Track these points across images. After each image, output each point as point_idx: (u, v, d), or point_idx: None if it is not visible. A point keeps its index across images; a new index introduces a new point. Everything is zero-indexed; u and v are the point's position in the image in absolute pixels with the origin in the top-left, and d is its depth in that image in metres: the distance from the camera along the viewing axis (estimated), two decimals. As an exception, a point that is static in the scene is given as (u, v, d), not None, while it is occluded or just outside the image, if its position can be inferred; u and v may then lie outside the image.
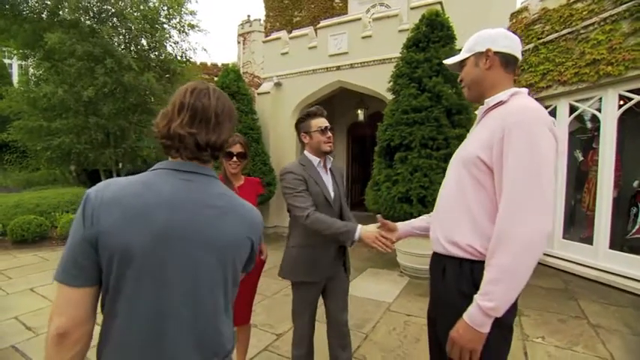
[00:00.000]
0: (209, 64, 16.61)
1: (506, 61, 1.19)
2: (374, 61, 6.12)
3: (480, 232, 1.10)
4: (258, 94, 7.66)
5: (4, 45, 10.18)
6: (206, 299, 0.83)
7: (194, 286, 0.81)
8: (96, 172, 9.21)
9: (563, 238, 4.79)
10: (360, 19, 6.33)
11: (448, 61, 1.34)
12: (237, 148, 2.07)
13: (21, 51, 8.65)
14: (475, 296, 1.04)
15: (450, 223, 1.20)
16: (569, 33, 4.48)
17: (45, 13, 7.94)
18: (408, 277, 4.47)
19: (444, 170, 4.31)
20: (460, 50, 1.32)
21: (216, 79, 9.03)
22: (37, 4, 7.85)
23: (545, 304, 3.58)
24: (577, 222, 4.99)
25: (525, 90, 1.19)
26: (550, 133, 1.04)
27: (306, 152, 1.91)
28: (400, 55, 4.50)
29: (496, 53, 1.18)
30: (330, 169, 1.96)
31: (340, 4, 10.12)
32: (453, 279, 1.15)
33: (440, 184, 4.19)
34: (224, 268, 0.86)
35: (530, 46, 4.95)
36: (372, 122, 4.72)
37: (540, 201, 0.99)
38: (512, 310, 1.09)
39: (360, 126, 9.01)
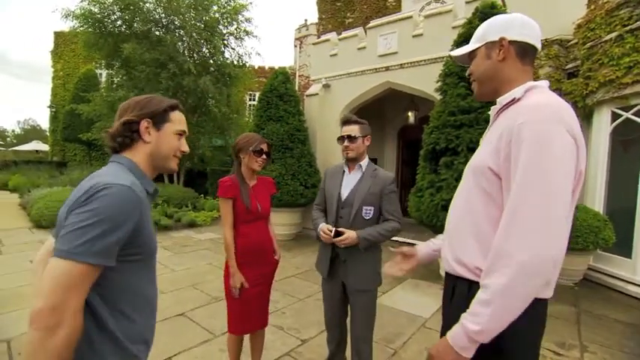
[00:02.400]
0: (266, 67, 17.30)
1: (524, 51, 1.02)
2: (425, 60, 5.80)
3: (488, 252, 0.93)
4: (307, 95, 7.73)
5: (94, 57, 11.68)
6: None
7: None
8: (159, 169, 10.10)
9: (650, 263, 4.05)
10: (410, 17, 6.05)
11: (455, 52, 1.17)
12: (266, 147, 2.09)
13: (104, 61, 9.83)
14: (462, 315, 0.91)
15: (458, 241, 1.06)
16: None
17: (123, 26, 8.94)
18: (451, 292, 4.12)
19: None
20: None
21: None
22: (117, 19, 8.86)
23: (619, 342, 3.03)
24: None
25: (545, 83, 1.01)
26: (567, 135, 0.86)
27: None
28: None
29: (511, 43, 1.01)
30: (365, 173, 2.02)
31: (394, 4, 9.83)
32: (461, 301, 0.99)
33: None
34: None
35: (613, 35, 4.25)
36: (423, 125, 4.45)
37: (546, 218, 0.83)
38: (522, 341, 0.94)
39: (412, 129, 8.63)
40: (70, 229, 0.79)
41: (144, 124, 1.03)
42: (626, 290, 4.08)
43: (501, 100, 1.04)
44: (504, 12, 3.88)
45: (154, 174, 1.11)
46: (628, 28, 4.12)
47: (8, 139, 53.04)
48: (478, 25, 3.83)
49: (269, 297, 2.24)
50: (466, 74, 1.16)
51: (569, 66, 5.04)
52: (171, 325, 3.05)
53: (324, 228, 1.96)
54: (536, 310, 0.94)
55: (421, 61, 5.85)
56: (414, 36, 5.97)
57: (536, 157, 0.84)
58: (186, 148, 1.12)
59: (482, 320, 0.85)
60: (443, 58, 5.11)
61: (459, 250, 1.04)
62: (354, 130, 1.98)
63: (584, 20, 4.71)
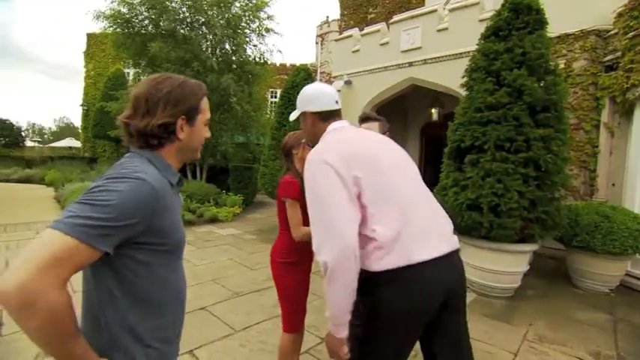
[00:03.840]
0: (287, 65, 17.35)
1: (322, 116, 1.42)
2: (449, 55, 5.63)
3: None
4: (328, 92, 7.69)
5: (122, 56, 12.08)
6: None
7: None
8: (182, 165, 10.36)
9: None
10: (435, 11, 5.88)
11: (291, 117, 1.58)
12: None
13: (131, 60, 10.15)
14: None
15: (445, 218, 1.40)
16: None
17: (150, 26, 9.19)
18: (475, 293, 3.99)
19: (523, 176, 3.71)
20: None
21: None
22: (144, 19, 9.11)
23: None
24: None
25: (332, 127, 1.39)
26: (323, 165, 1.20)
27: None
28: (477, 46, 4.02)
29: (313, 113, 1.42)
30: None
31: (417, -3, 9.60)
32: None
33: (517, 191, 3.62)
34: None
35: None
36: (448, 122, 4.32)
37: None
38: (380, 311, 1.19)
39: (435, 126, 8.41)
40: (71, 202, 0.75)
41: (180, 122, 0.94)
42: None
43: None
44: (536, 1, 3.68)
45: (180, 165, 1.04)
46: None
47: (45, 136, 56.10)
48: (508, 17, 3.64)
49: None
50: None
51: (608, 58, 4.74)
52: (193, 319, 3.10)
53: None
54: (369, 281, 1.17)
55: (446, 56, 5.68)
56: (438, 30, 5.80)
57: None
58: (209, 134, 1.08)
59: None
60: (469, 52, 4.93)
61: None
62: (374, 127, 1.99)
63: (627, 8, 4.40)
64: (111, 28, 9.08)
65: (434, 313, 1.21)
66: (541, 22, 3.64)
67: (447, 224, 1.31)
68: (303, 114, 1.46)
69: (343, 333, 1.18)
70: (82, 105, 18.82)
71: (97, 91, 17.01)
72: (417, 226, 1.20)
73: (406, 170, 1.35)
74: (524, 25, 3.61)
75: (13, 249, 5.11)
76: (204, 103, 1.02)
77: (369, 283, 1.17)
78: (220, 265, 4.78)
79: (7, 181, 14.42)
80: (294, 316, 2.09)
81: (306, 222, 1.96)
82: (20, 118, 60.99)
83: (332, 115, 1.41)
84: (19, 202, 9.56)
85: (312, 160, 1.24)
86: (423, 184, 1.37)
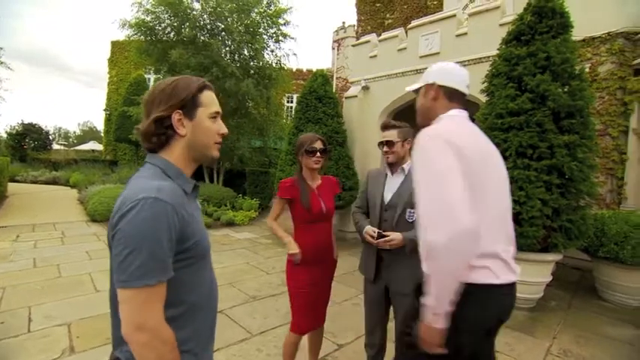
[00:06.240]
0: (304, 70, 17.48)
1: (450, 93, 1.34)
2: (469, 60, 5.54)
3: None
4: (346, 97, 7.70)
5: (144, 63, 12.46)
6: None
7: None
8: (199, 169, 10.54)
9: None
10: (454, 15, 5.82)
11: (409, 89, 1.52)
12: (319, 144, 2.08)
13: (153, 67, 10.46)
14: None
15: None
16: None
17: (172, 33, 9.46)
18: (496, 304, 3.89)
19: (546, 183, 3.61)
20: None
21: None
22: (167, 27, 9.39)
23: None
24: None
25: (455, 112, 1.32)
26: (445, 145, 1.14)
27: None
28: (497, 51, 3.95)
29: (440, 86, 1.34)
30: (407, 176, 1.99)
31: (435, 3, 9.54)
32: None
33: (540, 199, 3.53)
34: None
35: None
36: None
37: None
38: (467, 323, 1.15)
39: (453, 131, 8.30)
40: (119, 259, 0.81)
41: (175, 116, 0.95)
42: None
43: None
44: (561, 4, 3.59)
45: (195, 166, 1.04)
46: None
47: (70, 139, 58.29)
48: (530, 21, 3.57)
49: (329, 295, 2.25)
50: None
51: (637, 61, 4.58)
52: (212, 321, 3.14)
53: (370, 230, 1.95)
54: (478, 296, 1.15)
55: (465, 61, 5.60)
56: (457, 35, 5.74)
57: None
58: (224, 130, 1.04)
59: (429, 292, 1.10)
60: (489, 57, 4.85)
61: None
62: (392, 135, 1.98)
63: (656, 11, 4.26)
64: (135, 36, 9.40)
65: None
66: (566, 26, 3.55)
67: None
68: (430, 86, 1.37)
69: (441, 324, 1.11)
70: (104, 110, 19.48)
71: (119, 96, 17.58)
72: (510, 245, 1.23)
73: (506, 183, 1.30)
74: (547, 29, 3.53)
75: (41, 247, 5.32)
76: (206, 97, 1.00)
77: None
78: (237, 269, 4.83)
79: (36, 182, 15.05)
80: (300, 317, 2.11)
81: (296, 220, 2.12)
82: (48, 122, 63.69)
83: (457, 98, 1.35)
84: (46, 202, 9.95)
85: (432, 135, 1.18)
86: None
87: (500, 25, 5.07)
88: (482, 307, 1.16)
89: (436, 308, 1.09)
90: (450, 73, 1.35)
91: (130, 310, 0.82)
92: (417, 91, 1.45)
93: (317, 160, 2.07)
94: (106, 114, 19.47)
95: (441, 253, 1.04)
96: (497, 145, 3.60)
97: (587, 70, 4.70)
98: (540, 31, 3.55)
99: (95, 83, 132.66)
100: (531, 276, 3.55)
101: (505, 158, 3.57)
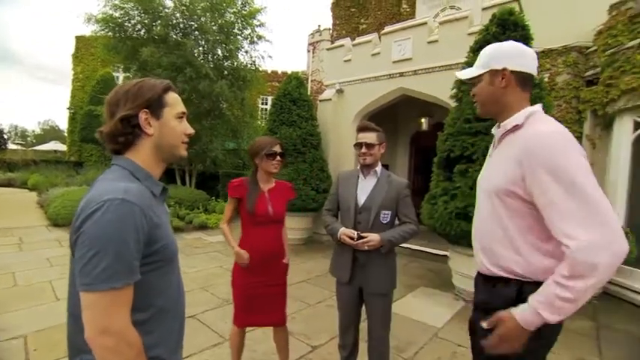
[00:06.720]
0: (279, 72, 17.44)
1: (523, 79, 1.17)
2: (439, 67, 5.76)
3: (521, 258, 1.13)
4: (320, 100, 7.75)
5: (112, 60, 11.96)
6: None
7: None
8: (171, 171, 10.23)
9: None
10: (425, 23, 6.03)
11: (462, 75, 1.31)
12: (279, 148, 2.12)
13: (122, 65, 10.07)
14: (534, 304, 1.02)
15: (494, 251, 1.20)
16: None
17: (143, 30, 9.15)
18: (464, 300, 4.05)
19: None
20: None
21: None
22: (137, 23, 9.07)
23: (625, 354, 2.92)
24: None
25: (539, 108, 1.18)
26: (577, 152, 1.02)
27: None
28: (466, 59, 4.14)
29: (512, 72, 1.16)
30: (380, 179, 2.06)
31: (408, 10, 9.81)
32: (506, 292, 1.16)
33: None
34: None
35: (636, 42, 4.14)
36: (437, 132, 4.42)
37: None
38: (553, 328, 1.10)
39: (424, 136, 8.57)
40: (82, 262, 0.79)
41: (142, 115, 0.94)
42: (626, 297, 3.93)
43: (505, 125, 1.18)
44: (522, 18, 3.82)
45: (164, 167, 1.04)
46: (652, 35, 4.02)
47: (29, 138, 54.73)
48: (495, 32, 3.76)
49: (282, 297, 2.24)
50: (471, 94, 1.28)
51: (588, 73, 4.94)
52: (183, 327, 3.06)
53: (348, 232, 1.96)
54: None
55: (436, 67, 5.82)
56: (428, 42, 5.94)
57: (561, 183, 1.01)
58: (191, 130, 1.05)
59: (563, 312, 0.99)
60: (458, 64, 5.06)
61: (497, 258, 1.19)
62: (372, 137, 2.02)
63: (605, 27, 4.61)
64: (102, 32, 9.01)
65: None
66: (527, 38, 3.78)
67: None
68: (494, 72, 1.17)
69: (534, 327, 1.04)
70: (69, 108, 18.47)
71: (85, 94, 16.73)
72: None
73: None
74: (511, 40, 3.74)
75: (-6, 255, 4.96)
76: (171, 98, 1.01)
77: None
78: (210, 273, 4.73)
79: (-13, 184, 14.01)
80: (237, 311, 2.18)
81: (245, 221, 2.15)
82: (2, 120, 59.54)
83: (529, 84, 1.19)
84: (1, 206, 9.28)
85: (564, 134, 1.04)
86: None
87: (469, 34, 5.30)
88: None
89: (555, 321, 1.00)
90: (521, 55, 1.17)
91: (94, 314, 0.79)
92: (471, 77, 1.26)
93: (277, 163, 2.11)
94: (70, 113, 18.46)
95: (601, 274, 0.95)
96: (466, 148, 3.77)
97: (546, 79, 5.02)
98: (504, 41, 3.74)
99: (57, 79, 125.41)
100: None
101: (472, 161, 3.75)
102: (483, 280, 1.28)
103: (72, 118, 18.23)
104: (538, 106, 1.17)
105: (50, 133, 52.27)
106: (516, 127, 1.15)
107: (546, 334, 1.10)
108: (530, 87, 1.19)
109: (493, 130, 1.28)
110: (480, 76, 1.21)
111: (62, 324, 3.00)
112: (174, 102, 1.02)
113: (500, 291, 1.18)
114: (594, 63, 4.87)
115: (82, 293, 0.80)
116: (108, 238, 0.78)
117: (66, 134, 21.37)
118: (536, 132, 1.08)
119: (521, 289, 1.12)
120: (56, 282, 3.98)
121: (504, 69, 1.15)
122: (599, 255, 0.92)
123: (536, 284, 1.06)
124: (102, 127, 0.97)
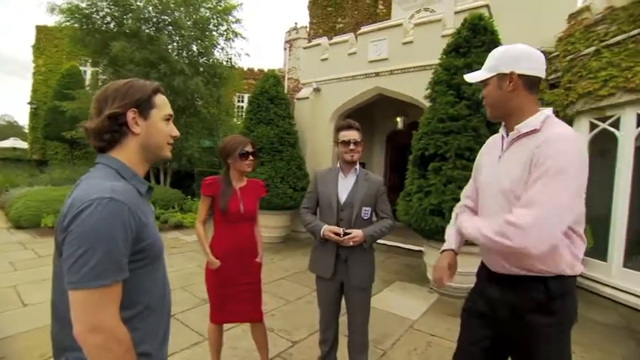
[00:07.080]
0: (256, 69, 17.24)
1: (530, 83, 1.18)
2: (414, 67, 5.93)
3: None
4: (297, 99, 7.77)
5: (79, 53, 11.40)
6: None
7: None
8: (146, 169, 9.90)
9: (625, 266, 4.23)
10: (401, 24, 6.18)
11: (471, 78, 1.32)
12: (251, 147, 2.15)
13: (90, 59, 9.62)
14: (484, 229, 1.18)
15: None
16: (640, 34, 3.98)
17: (113, 23, 8.78)
18: (438, 294, 4.22)
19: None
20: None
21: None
22: (106, 16, 8.69)
23: (599, 343, 3.15)
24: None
25: (551, 112, 1.20)
26: (585, 159, 1.09)
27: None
28: (439, 61, 4.30)
29: (520, 76, 1.17)
30: (359, 177, 2.11)
31: (384, 11, 9.99)
32: (531, 288, 1.21)
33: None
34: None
35: (591, 49, 4.47)
36: (412, 131, 4.57)
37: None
38: (568, 301, 1.22)
39: (400, 134, 8.77)
40: (71, 260, 0.79)
41: (130, 114, 0.95)
42: (602, 292, 4.25)
43: (519, 129, 1.19)
44: (491, 24, 4.02)
45: (148, 167, 1.06)
46: (604, 43, 4.34)
47: (-17, 135, 50.97)
48: (467, 36, 3.91)
49: (256, 294, 2.27)
50: (480, 96, 1.31)
51: (551, 77, 5.25)
52: (161, 328, 3.02)
53: (333, 229, 1.99)
54: (572, 284, 1.23)
55: (411, 68, 5.98)
56: (404, 43, 6.10)
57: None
58: (176, 133, 1.07)
59: (471, 236, 1.25)
60: (432, 65, 5.23)
61: (517, 258, 1.21)
62: (356, 135, 2.07)
63: (565, 34, 4.93)
64: (67, 23, 8.56)
65: None
66: (495, 42, 3.98)
67: None
68: (502, 76, 1.18)
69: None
70: (30, 103, 17.38)
71: (49, 88, 15.79)
72: None
73: None
74: (481, 43, 3.94)
75: (-49, 260, 4.65)
76: (159, 100, 1.03)
77: (566, 284, 1.18)
78: (188, 272, 4.66)
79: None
80: (212, 308, 2.21)
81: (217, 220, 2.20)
82: (-47, 115, 55.23)
83: (536, 87, 1.20)
84: (-45, 208, 8.66)
85: (575, 137, 1.12)
86: None
87: (442, 36, 5.49)
88: (575, 299, 1.24)
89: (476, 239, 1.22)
90: (529, 58, 1.17)
91: (84, 312, 0.80)
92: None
93: (250, 162, 2.15)
94: (31, 108, 17.37)
95: (516, 249, 1.09)
96: (439, 147, 3.93)
97: (513, 81, 5.30)
98: (475, 44, 3.94)
99: (18, 72, 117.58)
100: (472, 267, 3.90)
101: (445, 159, 3.91)
102: (502, 278, 1.29)
103: (34, 114, 17.15)
104: (550, 110, 1.20)
105: (8, 129, 48.87)
106: (533, 131, 1.17)
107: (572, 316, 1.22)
108: (537, 90, 1.21)
109: (501, 131, 1.29)
110: (488, 79, 1.23)
111: (32, 330, 2.89)
112: (163, 104, 1.04)
113: (527, 291, 1.22)
114: (556, 67, 5.19)
115: (70, 291, 0.80)
116: (97, 236, 0.79)
117: (27, 131, 20.11)
118: (559, 134, 1.12)
119: (547, 284, 1.16)
120: (22, 287, 3.79)
121: (512, 73, 1.16)
122: (527, 239, 1.05)
123: (559, 277, 1.14)
124: (87, 123, 0.97)
